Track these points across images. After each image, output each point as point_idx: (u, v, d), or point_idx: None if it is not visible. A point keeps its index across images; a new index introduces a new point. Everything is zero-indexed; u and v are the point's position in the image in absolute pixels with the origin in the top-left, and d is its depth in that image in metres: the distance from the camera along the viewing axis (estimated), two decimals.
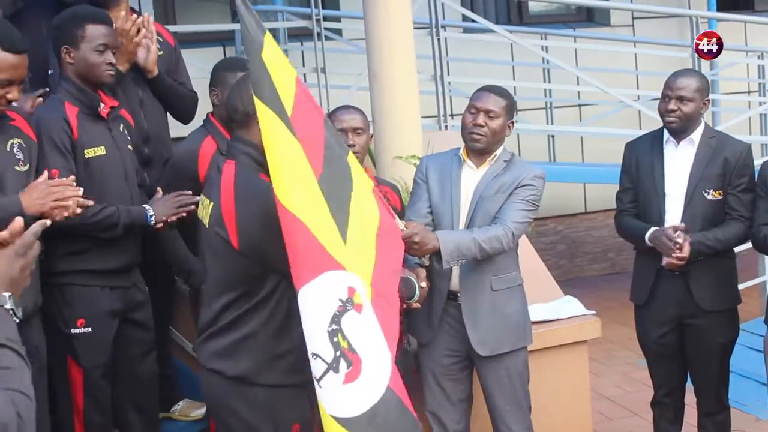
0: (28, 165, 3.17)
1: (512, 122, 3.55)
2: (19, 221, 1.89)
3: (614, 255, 8.72)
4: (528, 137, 7.85)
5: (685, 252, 3.64)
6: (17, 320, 1.77)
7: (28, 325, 3.13)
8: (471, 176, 3.54)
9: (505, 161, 3.54)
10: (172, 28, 7.25)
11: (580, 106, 8.35)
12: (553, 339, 4.14)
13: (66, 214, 3.05)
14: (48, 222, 2.02)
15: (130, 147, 3.62)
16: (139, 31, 3.89)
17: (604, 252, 8.73)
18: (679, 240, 3.64)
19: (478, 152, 3.51)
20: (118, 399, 3.63)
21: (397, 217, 2.94)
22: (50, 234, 3.32)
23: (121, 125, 3.61)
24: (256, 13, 2.56)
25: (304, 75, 6.46)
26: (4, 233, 1.87)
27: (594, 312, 4.32)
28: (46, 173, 3.10)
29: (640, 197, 3.94)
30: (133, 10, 4.13)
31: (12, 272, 1.81)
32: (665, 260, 3.72)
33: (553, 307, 4.30)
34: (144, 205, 3.50)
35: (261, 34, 2.51)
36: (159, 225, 3.50)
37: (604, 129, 7.53)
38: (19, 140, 3.15)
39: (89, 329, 3.43)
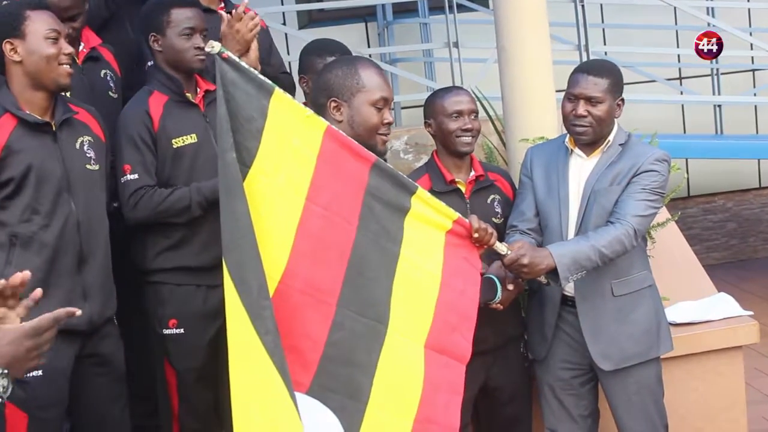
0: (98, 165, 3.04)
1: (621, 100, 3.10)
2: (22, 276, 1.82)
3: None
4: (692, 108, 7.22)
5: None
6: (2, 399, 1.70)
7: (98, 335, 3.02)
8: (581, 167, 3.12)
9: (620, 145, 3.10)
10: (316, 5, 7.16)
11: (753, 71, 7.59)
12: (701, 344, 3.71)
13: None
14: (78, 311, 1.86)
15: None
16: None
17: None
18: None
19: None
20: (225, 406, 3.47)
21: (497, 242, 2.79)
22: (142, 228, 3.23)
23: None
24: (254, 74, 2.30)
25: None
26: (2, 281, 1.81)
27: (752, 313, 3.84)
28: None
29: None
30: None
31: (15, 351, 1.74)
32: None
33: (704, 306, 3.84)
34: None
35: (265, 98, 2.29)
36: None
37: None
38: (89, 138, 3.03)
39: (181, 330, 3.27)
